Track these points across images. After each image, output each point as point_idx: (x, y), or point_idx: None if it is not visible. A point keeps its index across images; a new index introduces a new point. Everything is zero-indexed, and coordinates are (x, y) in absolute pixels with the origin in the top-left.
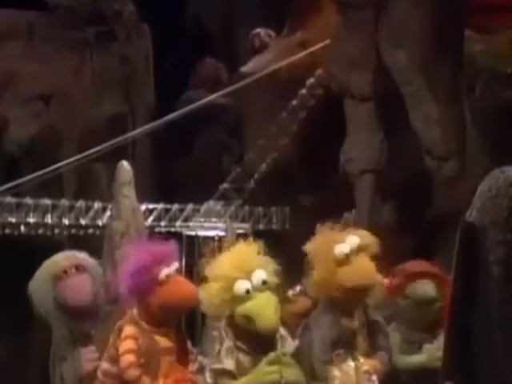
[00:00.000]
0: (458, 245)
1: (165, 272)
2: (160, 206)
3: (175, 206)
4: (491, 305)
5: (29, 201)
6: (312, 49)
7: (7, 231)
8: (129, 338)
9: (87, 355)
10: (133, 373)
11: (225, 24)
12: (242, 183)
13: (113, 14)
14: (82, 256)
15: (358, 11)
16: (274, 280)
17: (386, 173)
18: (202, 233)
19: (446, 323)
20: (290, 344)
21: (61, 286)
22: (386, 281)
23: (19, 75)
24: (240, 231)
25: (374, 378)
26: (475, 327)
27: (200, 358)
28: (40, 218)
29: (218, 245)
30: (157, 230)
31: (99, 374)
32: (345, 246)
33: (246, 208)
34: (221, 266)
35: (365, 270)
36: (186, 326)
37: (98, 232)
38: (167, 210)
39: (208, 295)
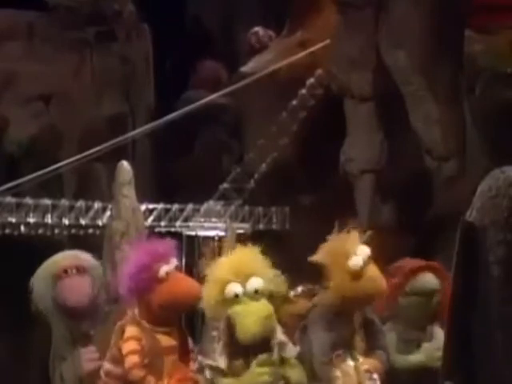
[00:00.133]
0: (458, 245)
1: (164, 269)
2: (160, 205)
3: (175, 206)
4: (491, 305)
5: (29, 201)
6: (312, 49)
7: (7, 231)
8: (131, 339)
9: (87, 355)
10: (137, 373)
11: (225, 24)
12: (242, 183)
13: (113, 14)
14: (84, 257)
15: (358, 11)
16: (269, 288)
17: (385, 173)
18: (201, 233)
19: (446, 323)
20: (290, 350)
21: (60, 285)
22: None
23: (19, 75)
24: (240, 231)
25: (376, 376)
26: (475, 327)
27: (200, 357)
28: (40, 218)
29: (218, 245)
30: (157, 230)
31: (102, 375)
32: (358, 259)
33: (246, 208)
34: (219, 267)
35: (378, 279)
36: (185, 325)
37: (98, 232)
38: (167, 210)
39: (205, 295)
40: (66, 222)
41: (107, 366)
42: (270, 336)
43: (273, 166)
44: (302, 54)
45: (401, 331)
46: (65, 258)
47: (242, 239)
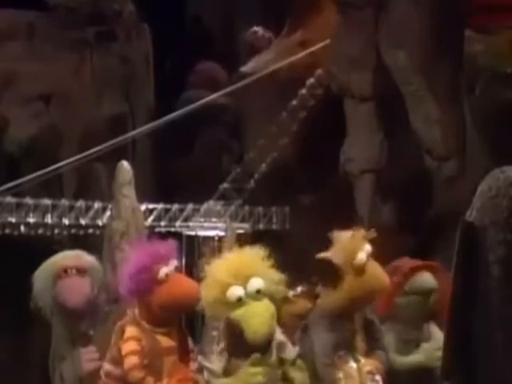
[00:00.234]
0: (458, 245)
1: (164, 271)
2: (160, 205)
3: (175, 206)
4: (491, 305)
5: (29, 201)
6: (312, 49)
7: (7, 231)
8: (131, 339)
9: (87, 355)
10: (137, 374)
11: (225, 24)
12: (242, 183)
13: (113, 14)
14: (85, 257)
15: (358, 11)
16: (270, 288)
17: (385, 173)
18: (202, 233)
19: (446, 323)
20: (290, 350)
21: (60, 285)
22: None
23: (19, 75)
24: (240, 231)
25: (378, 377)
26: (475, 327)
27: (200, 357)
28: (40, 218)
29: (218, 245)
30: (157, 230)
31: (102, 376)
32: (363, 255)
33: (246, 208)
34: (218, 270)
35: (382, 275)
36: (185, 325)
37: (98, 232)
38: (167, 210)
39: (204, 296)
40: (66, 221)
41: (107, 366)
42: (272, 337)
43: (273, 166)
44: (302, 54)
45: (399, 331)
46: (66, 257)
47: (241, 239)
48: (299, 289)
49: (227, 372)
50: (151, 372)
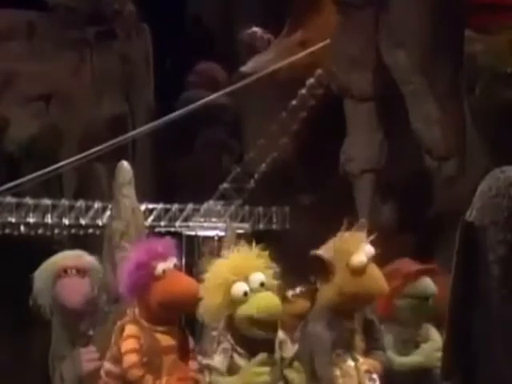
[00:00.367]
0: (458, 244)
1: (161, 267)
2: (160, 205)
3: (175, 206)
4: (491, 304)
5: (29, 201)
6: (312, 49)
7: (7, 231)
8: (130, 338)
9: (87, 355)
10: (136, 373)
11: (225, 24)
12: (242, 183)
13: (113, 14)
14: (85, 257)
15: (358, 11)
16: (272, 282)
17: (385, 173)
18: (201, 233)
19: (446, 323)
20: (289, 348)
21: (59, 284)
22: None
23: (19, 75)
24: (240, 231)
25: (375, 376)
26: (475, 327)
27: (200, 357)
28: (40, 218)
29: (218, 245)
30: (157, 229)
31: (102, 374)
32: (362, 256)
33: (246, 208)
34: (218, 269)
35: (380, 278)
36: (185, 325)
37: (98, 232)
38: (167, 210)
39: (206, 298)
40: (66, 221)
41: (107, 365)
42: (274, 335)
43: (273, 166)
44: (302, 53)
45: (398, 332)
46: (66, 257)
47: (241, 239)
48: (298, 289)
49: (230, 371)
50: (150, 370)
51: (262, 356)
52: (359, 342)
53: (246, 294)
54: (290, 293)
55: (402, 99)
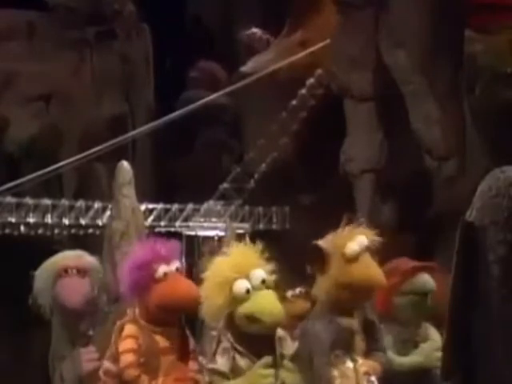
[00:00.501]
0: (458, 244)
1: (163, 269)
2: (160, 205)
3: (175, 206)
4: (491, 304)
5: (29, 201)
6: (312, 49)
7: (7, 231)
8: (129, 338)
9: (87, 355)
10: (132, 372)
11: (225, 24)
12: (242, 183)
13: (113, 14)
14: (86, 257)
15: (358, 11)
16: (272, 278)
17: (385, 173)
18: (201, 233)
19: (446, 323)
20: (289, 345)
21: (60, 284)
22: None
23: (19, 75)
24: (240, 231)
25: (373, 378)
26: (475, 327)
27: (200, 357)
28: (40, 218)
29: (218, 245)
30: (157, 229)
31: (101, 374)
32: (355, 245)
33: (246, 208)
34: (218, 267)
35: (375, 268)
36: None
37: (98, 232)
38: (167, 210)
39: (206, 297)
40: (66, 222)
41: (106, 364)
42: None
43: (273, 166)
44: (302, 54)
45: (397, 332)
46: (66, 257)
47: (241, 239)
48: (298, 289)
49: (232, 371)
50: (147, 371)
51: (267, 358)
52: (360, 342)
53: (248, 291)
54: (289, 293)
55: (402, 99)
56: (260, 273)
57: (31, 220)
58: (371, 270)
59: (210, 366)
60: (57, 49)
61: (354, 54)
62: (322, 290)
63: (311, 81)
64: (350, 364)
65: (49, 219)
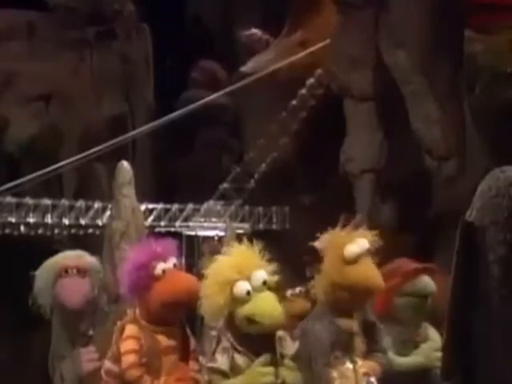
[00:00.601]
0: (458, 244)
1: (161, 266)
2: (160, 205)
3: (175, 206)
4: (491, 304)
5: (29, 201)
6: (312, 49)
7: (7, 231)
8: (130, 338)
9: (87, 355)
10: (134, 373)
11: (225, 24)
12: (242, 183)
13: (113, 14)
14: (86, 258)
15: (357, 11)
16: (273, 279)
17: (385, 172)
18: (201, 233)
19: (446, 323)
20: (289, 345)
21: (60, 284)
22: None
23: (19, 75)
24: (240, 231)
25: (373, 379)
26: (475, 327)
27: (200, 357)
28: (40, 218)
29: (218, 245)
30: (157, 229)
31: (103, 374)
32: (355, 247)
33: (246, 208)
34: (219, 267)
35: (373, 271)
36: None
37: (98, 232)
38: (167, 210)
39: (207, 296)
40: (66, 222)
41: (108, 364)
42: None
43: (273, 166)
44: (302, 54)
45: (397, 332)
46: (67, 257)
47: (241, 239)
48: (298, 289)
49: (232, 370)
50: (149, 371)
51: (266, 356)
52: (360, 344)
53: (248, 293)
54: (289, 292)
55: (402, 99)
56: (261, 274)
57: (31, 220)
58: (370, 273)
59: (210, 364)
60: (57, 49)
61: (354, 53)
62: (320, 289)
63: (311, 81)
64: (349, 365)
65: (49, 219)
